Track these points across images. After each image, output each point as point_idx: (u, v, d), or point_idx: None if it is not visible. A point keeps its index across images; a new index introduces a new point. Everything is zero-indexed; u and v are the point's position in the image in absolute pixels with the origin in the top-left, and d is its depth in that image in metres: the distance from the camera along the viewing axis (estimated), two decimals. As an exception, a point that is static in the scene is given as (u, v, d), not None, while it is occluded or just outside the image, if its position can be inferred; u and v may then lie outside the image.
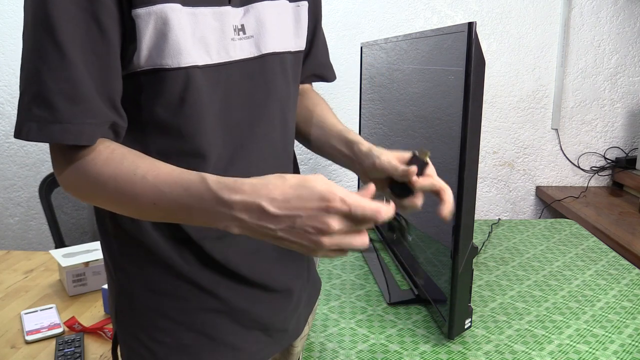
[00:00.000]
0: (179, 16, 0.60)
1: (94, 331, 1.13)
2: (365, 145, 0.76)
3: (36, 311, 1.22)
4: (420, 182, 0.69)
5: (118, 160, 0.59)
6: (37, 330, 1.13)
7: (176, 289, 0.70)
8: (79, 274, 1.32)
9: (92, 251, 1.40)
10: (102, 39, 0.58)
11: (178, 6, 0.59)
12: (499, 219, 1.72)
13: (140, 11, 0.58)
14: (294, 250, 0.57)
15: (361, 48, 1.60)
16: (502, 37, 2.10)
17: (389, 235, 0.72)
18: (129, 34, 0.59)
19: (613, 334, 1.00)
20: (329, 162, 2.10)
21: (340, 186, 0.56)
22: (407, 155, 0.71)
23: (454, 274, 0.92)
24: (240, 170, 0.70)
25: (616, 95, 2.15)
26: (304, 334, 0.89)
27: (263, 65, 0.70)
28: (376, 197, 0.61)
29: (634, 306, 1.11)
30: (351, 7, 2.09)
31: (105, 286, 1.20)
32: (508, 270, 1.31)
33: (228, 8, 0.65)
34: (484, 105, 2.15)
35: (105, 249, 0.73)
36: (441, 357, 0.94)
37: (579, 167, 2.21)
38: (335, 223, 0.53)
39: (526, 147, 2.20)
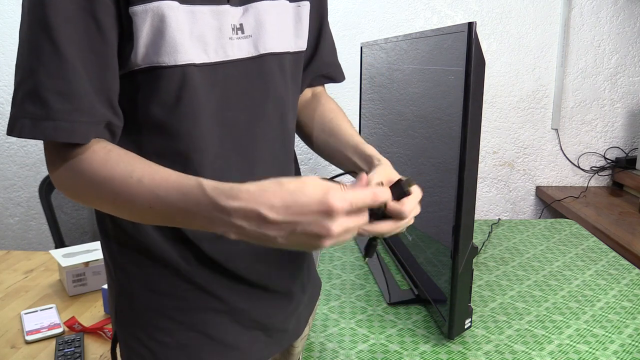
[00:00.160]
0: (176, 14, 0.60)
1: (94, 331, 1.13)
2: (382, 161, 0.75)
3: (36, 311, 1.22)
4: (391, 206, 0.65)
5: (114, 161, 0.59)
6: (37, 330, 1.13)
7: (176, 289, 0.70)
8: (79, 274, 1.32)
9: (92, 251, 1.40)
10: (100, 37, 0.58)
11: (175, 4, 0.59)
12: (499, 219, 1.72)
13: (137, 8, 0.58)
14: (294, 251, 0.57)
15: (361, 48, 1.60)
16: (502, 37, 2.10)
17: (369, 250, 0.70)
18: (127, 32, 0.59)
19: (613, 334, 1.00)
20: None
21: (335, 183, 0.56)
22: (396, 179, 0.69)
23: (454, 274, 0.92)
24: (238, 171, 0.70)
25: (616, 95, 2.15)
26: (304, 334, 0.89)
27: (261, 65, 0.70)
28: None
29: (634, 306, 1.11)
30: (351, 7, 2.09)
31: (105, 286, 1.20)
32: (508, 270, 1.31)
33: (227, 7, 0.65)
34: (484, 105, 2.15)
35: (105, 248, 0.73)
36: (441, 357, 0.94)
37: (579, 167, 2.21)
38: (335, 226, 0.53)
39: (526, 147, 2.20)
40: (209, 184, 0.56)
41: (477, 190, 2.22)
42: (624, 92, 2.14)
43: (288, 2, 0.73)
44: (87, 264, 1.33)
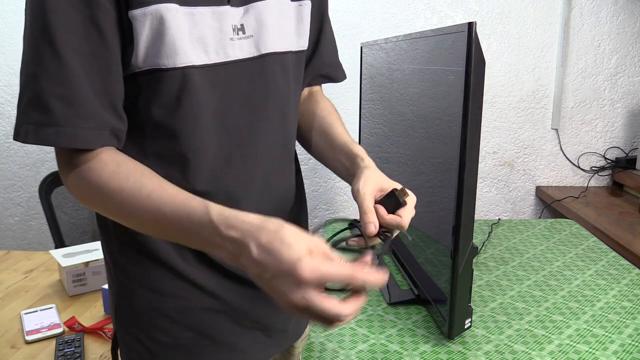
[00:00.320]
0: (175, 16, 0.60)
1: (94, 331, 1.13)
2: (365, 161, 0.73)
3: (36, 311, 1.22)
4: (387, 219, 0.65)
5: (124, 175, 0.59)
6: (37, 330, 1.13)
7: (176, 289, 0.70)
8: (79, 274, 1.32)
9: (92, 251, 1.40)
10: (101, 42, 0.58)
11: (174, 6, 0.59)
12: (499, 219, 1.72)
13: (136, 12, 0.58)
14: None
15: (361, 48, 1.60)
16: (502, 37, 2.10)
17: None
18: (128, 35, 0.59)
19: (613, 334, 1.00)
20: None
21: (319, 243, 0.53)
22: (389, 188, 0.68)
23: (454, 274, 0.92)
24: (237, 171, 0.70)
25: (616, 95, 2.15)
26: (304, 335, 0.89)
27: (262, 65, 0.70)
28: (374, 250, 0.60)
29: (634, 306, 1.11)
30: (351, 7, 2.09)
31: (105, 286, 1.20)
32: (508, 270, 1.31)
33: (227, 8, 0.65)
34: (484, 105, 2.15)
35: (105, 248, 0.73)
36: (441, 357, 0.94)
37: (579, 167, 2.21)
38: (296, 294, 0.51)
39: (526, 147, 2.20)
40: (215, 210, 0.56)
41: (477, 190, 2.22)
42: (624, 92, 2.14)
43: (289, 1, 0.73)
44: (87, 264, 1.33)
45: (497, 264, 1.36)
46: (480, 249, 1.46)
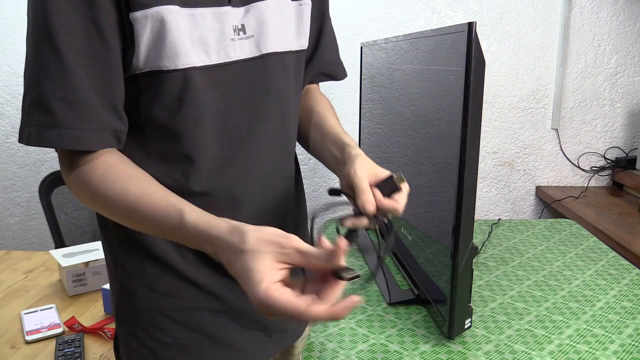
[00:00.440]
0: (176, 18, 0.60)
1: (94, 331, 1.13)
2: (356, 150, 0.72)
3: (36, 311, 1.22)
4: (384, 202, 0.65)
5: (111, 181, 0.60)
6: (37, 330, 1.13)
7: (176, 289, 0.70)
8: (79, 274, 1.32)
9: (92, 251, 1.40)
10: (103, 44, 0.58)
11: (175, 8, 0.59)
12: (499, 219, 1.72)
13: (137, 14, 0.58)
14: None
15: (361, 48, 1.60)
16: (502, 37, 2.10)
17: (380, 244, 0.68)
18: (128, 37, 0.60)
19: (613, 334, 1.00)
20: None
21: (287, 244, 0.53)
22: (384, 174, 0.68)
23: (454, 274, 0.92)
24: (238, 171, 0.70)
25: (616, 95, 2.15)
26: (304, 335, 0.89)
27: (263, 66, 0.70)
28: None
29: (634, 306, 1.11)
30: (351, 7, 2.09)
31: (105, 286, 1.20)
32: (508, 270, 1.31)
33: (228, 8, 0.65)
34: (484, 105, 2.15)
35: (106, 247, 0.73)
36: (441, 357, 0.94)
37: (579, 167, 2.21)
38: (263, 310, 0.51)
39: (526, 147, 2.20)
40: (189, 222, 0.57)
41: (477, 190, 2.22)
42: (624, 92, 2.14)
43: (290, 0, 0.73)
44: (87, 264, 1.33)
45: (497, 264, 1.36)
46: (480, 249, 1.46)
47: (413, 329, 1.04)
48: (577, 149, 2.20)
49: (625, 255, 1.44)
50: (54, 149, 0.62)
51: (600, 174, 2.20)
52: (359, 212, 0.65)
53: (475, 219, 0.93)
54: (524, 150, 2.20)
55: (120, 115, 0.62)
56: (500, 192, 2.25)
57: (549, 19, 2.08)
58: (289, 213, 0.81)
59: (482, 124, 2.18)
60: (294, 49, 0.75)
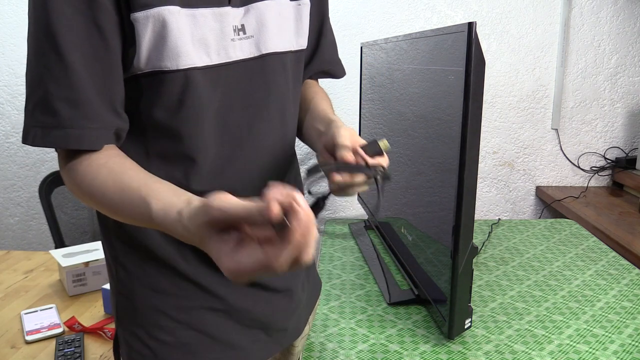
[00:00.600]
0: (177, 18, 0.60)
1: (94, 331, 1.13)
2: (340, 123, 0.72)
3: (36, 311, 1.22)
4: (368, 160, 0.65)
5: (91, 177, 0.60)
6: (37, 330, 1.13)
7: (176, 288, 0.70)
8: (79, 274, 1.32)
9: (92, 251, 1.40)
10: (103, 44, 0.58)
11: (176, 8, 0.60)
12: (499, 219, 1.72)
13: (139, 15, 0.58)
14: None
15: (361, 48, 1.60)
16: (502, 37, 2.10)
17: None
18: (129, 37, 0.60)
19: (613, 334, 1.00)
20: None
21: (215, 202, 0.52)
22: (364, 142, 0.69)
23: (454, 274, 0.92)
24: (238, 170, 0.70)
25: (616, 95, 2.15)
26: (304, 334, 0.89)
27: (263, 65, 0.70)
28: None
29: (634, 306, 1.11)
30: (351, 7, 2.09)
31: (105, 286, 1.20)
32: (508, 270, 1.31)
33: (228, 8, 0.65)
34: (484, 105, 2.15)
35: (106, 247, 0.73)
36: (441, 357, 0.94)
37: (579, 167, 2.21)
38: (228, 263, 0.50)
39: (526, 147, 2.20)
40: (157, 221, 0.56)
41: (477, 190, 2.22)
42: (624, 92, 2.14)
43: (289, 0, 0.73)
44: (87, 264, 1.33)
45: (497, 264, 1.36)
46: (480, 249, 1.46)
47: (413, 329, 1.04)
48: (577, 149, 2.20)
49: (625, 255, 1.44)
50: (54, 149, 0.63)
51: (600, 174, 2.20)
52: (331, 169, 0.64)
53: (475, 219, 0.93)
54: (524, 150, 2.20)
55: (120, 113, 0.62)
56: (500, 192, 2.24)
57: (549, 19, 2.08)
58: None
59: (482, 124, 2.18)
60: (293, 49, 0.75)
